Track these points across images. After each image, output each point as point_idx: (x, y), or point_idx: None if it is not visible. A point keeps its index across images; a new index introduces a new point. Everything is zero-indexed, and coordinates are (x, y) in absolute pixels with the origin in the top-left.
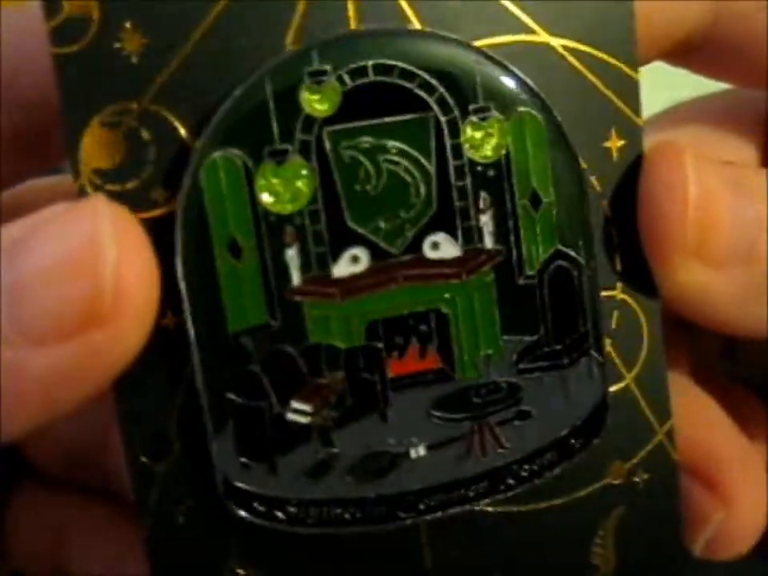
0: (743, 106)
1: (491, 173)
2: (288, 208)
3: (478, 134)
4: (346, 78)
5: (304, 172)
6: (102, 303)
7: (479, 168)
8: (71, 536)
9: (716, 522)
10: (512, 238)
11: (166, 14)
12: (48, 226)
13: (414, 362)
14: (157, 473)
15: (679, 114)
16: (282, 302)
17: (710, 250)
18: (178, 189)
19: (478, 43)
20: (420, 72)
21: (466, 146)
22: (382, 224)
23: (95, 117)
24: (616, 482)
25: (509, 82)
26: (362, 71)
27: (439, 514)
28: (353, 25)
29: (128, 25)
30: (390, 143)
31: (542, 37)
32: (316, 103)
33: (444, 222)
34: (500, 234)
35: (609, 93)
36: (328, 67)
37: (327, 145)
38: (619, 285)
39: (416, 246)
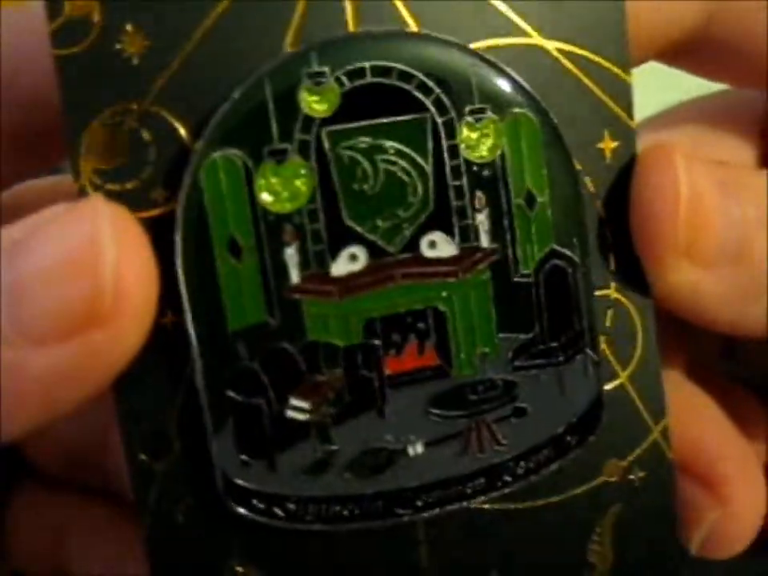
0: (741, 106)
1: (487, 173)
2: (287, 207)
3: (474, 135)
4: (344, 79)
5: (303, 171)
6: (101, 303)
7: (475, 168)
8: (71, 536)
9: (712, 520)
10: (508, 237)
11: (166, 17)
12: (48, 226)
13: (411, 360)
14: (156, 471)
15: (678, 115)
16: (280, 300)
17: (700, 250)
18: (178, 189)
19: (473, 46)
20: (417, 74)
21: (462, 146)
22: (380, 223)
23: (96, 117)
24: (612, 479)
25: (504, 84)
26: (360, 72)
27: (437, 510)
28: (351, 27)
29: (129, 27)
30: (388, 143)
31: (536, 39)
32: (315, 104)
33: (441, 221)
34: (496, 232)
35: (602, 95)
36: (326, 68)
37: (326, 145)
38: (613, 284)
39: (413, 244)
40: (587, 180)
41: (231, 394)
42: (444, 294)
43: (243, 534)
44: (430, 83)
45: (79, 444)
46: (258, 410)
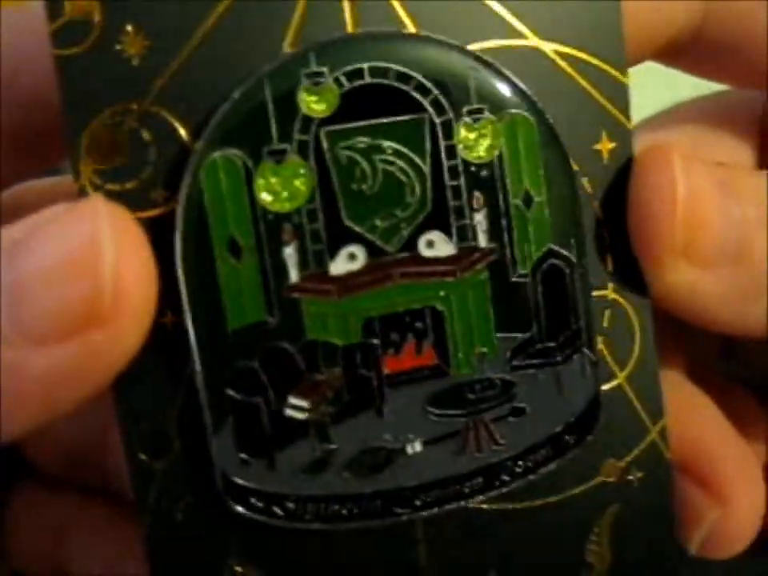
0: (740, 106)
1: (484, 173)
2: (286, 206)
3: (472, 135)
4: (343, 79)
5: (302, 171)
6: (101, 303)
7: (473, 168)
8: (71, 536)
9: (711, 520)
10: (505, 237)
11: (166, 18)
12: (48, 226)
13: (409, 359)
14: (156, 470)
15: (677, 115)
16: (280, 299)
17: (697, 250)
18: (178, 189)
19: (470, 47)
20: (415, 74)
21: (460, 146)
22: (378, 222)
23: (96, 118)
24: (610, 480)
25: (501, 85)
26: (358, 73)
27: (435, 510)
28: (350, 28)
29: (129, 28)
30: (386, 143)
31: (533, 41)
32: (313, 104)
33: (439, 220)
34: (493, 232)
35: (599, 96)
36: (325, 69)
37: (324, 145)
38: (611, 285)
39: (411, 244)
40: (584, 181)
41: (231, 392)
42: (442, 293)
43: (242, 533)
44: (428, 84)
45: (79, 444)
46: (258, 409)
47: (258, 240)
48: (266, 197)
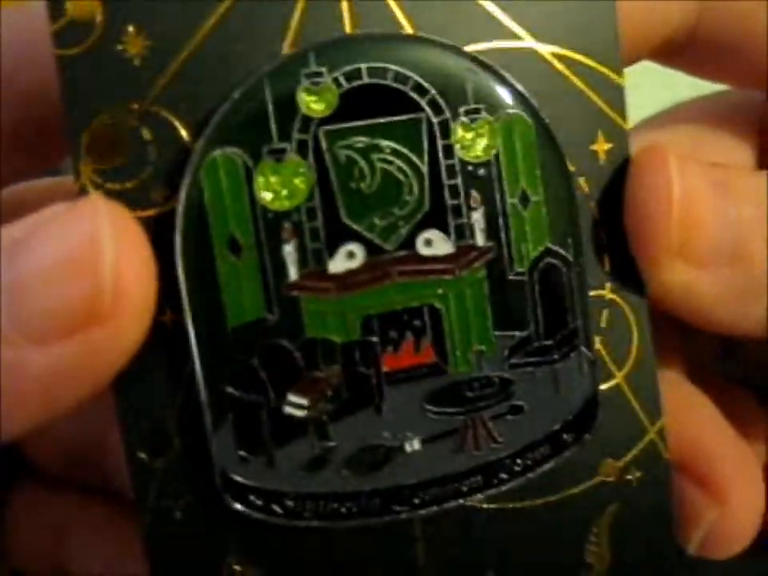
0: (740, 106)
1: (482, 172)
2: (286, 205)
3: (469, 135)
4: (342, 79)
5: (301, 170)
6: (101, 302)
7: (470, 167)
8: (71, 535)
9: (710, 520)
10: (502, 236)
11: (167, 18)
12: (48, 225)
13: (408, 357)
14: (156, 469)
15: (676, 115)
16: (279, 297)
17: (693, 250)
18: (178, 188)
19: (467, 49)
20: (413, 75)
21: (457, 146)
22: (377, 221)
23: (97, 117)
24: (609, 479)
25: (498, 86)
26: (356, 73)
27: (434, 508)
28: (348, 29)
29: (131, 28)
30: (384, 143)
31: (529, 43)
32: (313, 104)
33: (436, 219)
34: (491, 231)
35: (595, 98)
36: (324, 69)
37: (323, 144)
38: (608, 285)
39: (410, 242)
40: (581, 181)
41: (230, 390)
42: (440, 291)
43: (241, 531)
44: (426, 84)
45: (79, 443)
46: (257, 407)
47: (258, 238)
48: (265, 195)
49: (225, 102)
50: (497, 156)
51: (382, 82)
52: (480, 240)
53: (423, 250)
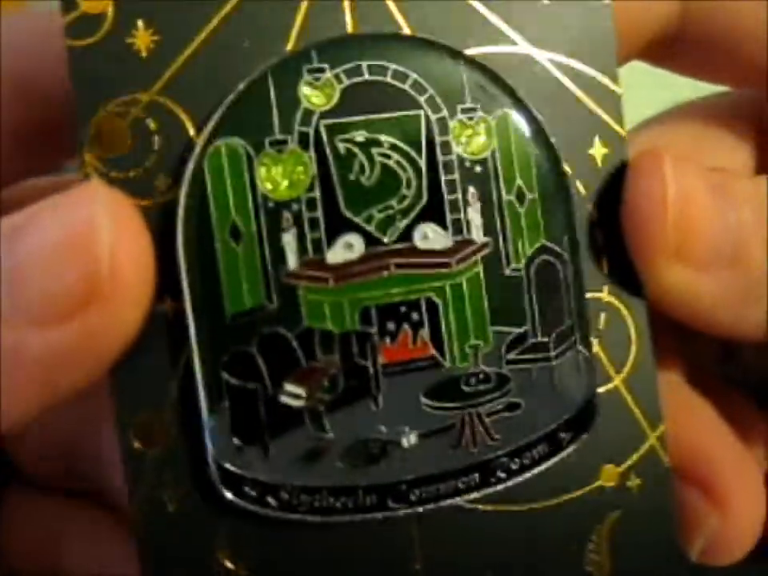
0: (740, 106)
1: (478, 169)
2: (286, 195)
3: (466, 132)
4: (343, 75)
5: (302, 162)
6: (98, 284)
7: (467, 164)
8: (64, 537)
9: (711, 526)
10: (499, 232)
11: (176, 15)
12: (47, 211)
13: (406, 349)
14: (149, 458)
15: (677, 116)
16: (279, 285)
17: (690, 252)
18: (181, 177)
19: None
20: (412, 73)
21: (455, 142)
22: (375, 213)
23: (104, 106)
24: (608, 485)
25: (493, 86)
26: (357, 70)
27: (431, 506)
28: (350, 29)
29: (140, 23)
30: (383, 138)
31: (524, 48)
32: (314, 98)
33: (434, 213)
34: (488, 227)
35: (591, 103)
36: (326, 65)
37: (324, 137)
38: (606, 287)
39: (407, 235)
40: (579, 183)
41: (227, 377)
42: (437, 284)
43: (234, 524)
44: (424, 83)
45: (63, 450)
46: (254, 395)
47: (259, 227)
48: (267, 185)
49: (229, 94)
50: (493, 153)
51: (381, 79)
52: (477, 235)
53: (420, 243)
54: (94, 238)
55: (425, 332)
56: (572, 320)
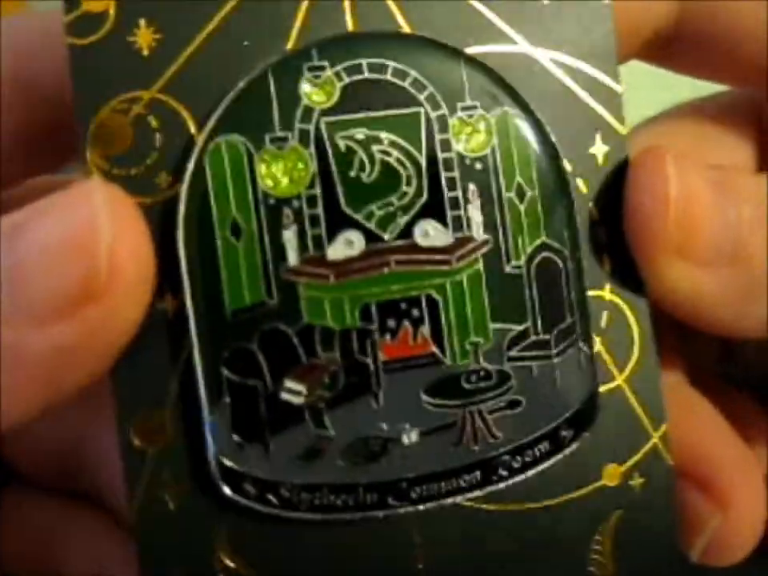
0: (740, 106)
1: (478, 166)
2: (287, 192)
3: (466, 130)
4: (343, 73)
5: (302, 158)
6: (97, 280)
7: (467, 161)
8: (60, 538)
9: (713, 526)
10: (499, 229)
11: (178, 14)
12: (47, 209)
13: (406, 346)
14: (149, 457)
15: (677, 115)
16: (279, 282)
17: (692, 250)
18: (182, 174)
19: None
20: (411, 71)
21: (455, 140)
22: (375, 210)
23: (105, 104)
24: (611, 485)
25: (493, 84)
26: (357, 68)
27: (432, 504)
28: (351, 28)
29: (142, 21)
30: (383, 135)
31: (524, 48)
32: (314, 95)
33: (434, 210)
34: (488, 224)
35: (592, 102)
36: (326, 63)
37: (324, 134)
38: (608, 285)
39: (408, 232)
40: (580, 181)
41: (227, 373)
42: (437, 281)
43: (235, 522)
44: (424, 80)
45: (58, 453)
46: (254, 391)
47: (259, 223)
48: (267, 182)
49: (230, 91)
50: (493, 151)
51: (381, 77)
52: (477, 232)
53: (421, 240)
54: (94, 235)
55: (425, 329)
56: (573, 317)
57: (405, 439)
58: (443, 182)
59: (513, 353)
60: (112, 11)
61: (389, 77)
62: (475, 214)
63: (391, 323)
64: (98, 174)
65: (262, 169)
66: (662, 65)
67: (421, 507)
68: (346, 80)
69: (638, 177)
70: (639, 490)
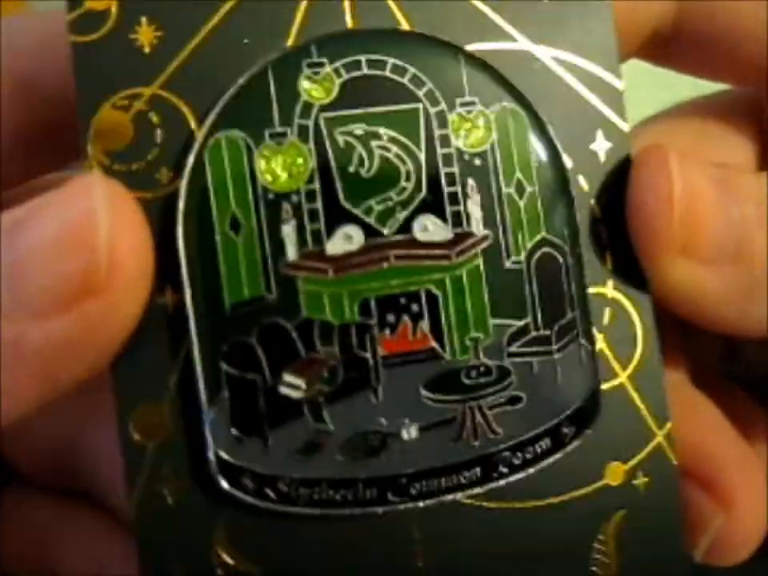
0: (742, 105)
1: (478, 162)
2: (286, 187)
3: (465, 126)
4: (342, 70)
5: (301, 153)
6: (96, 275)
7: (466, 157)
8: (59, 537)
9: (716, 526)
10: (499, 224)
11: (179, 11)
12: (47, 204)
13: (405, 341)
14: (149, 451)
15: (678, 114)
16: (278, 276)
17: (696, 247)
18: (183, 170)
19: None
20: (410, 67)
21: (454, 135)
22: (374, 205)
23: (107, 100)
24: (614, 483)
25: (492, 80)
26: (356, 64)
27: (432, 500)
28: (350, 26)
29: (144, 19)
30: (382, 130)
31: (524, 45)
32: (314, 91)
33: (433, 205)
34: (487, 219)
35: (593, 98)
36: (325, 60)
37: (324, 129)
38: (610, 282)
39: (407, 227)
40: (581, 178)
41: (226, 367)
42: (436, 276)
43: (233, 517)
44: (422, 76)
45: (55, 451)
46: (253, 385)
47: (258, 218)
48: (266, 177)
49: (230, 87)
50: (492, 146)
51: (380, 73)
52: (476, 228)
53: (420, 235)
54: (93, 229)
55: (425, 324)
56: (574, 313)
57: (404, 434)
58: (442, 177)
59: (513, 348)
60: (114, 9)
61: (388, 73)
62: (475, 209)
63: (390, 318)
64: (99, 169)
65: (261, 164)
66: (661, 64)
67: (421, 504)
68: (345, 76)
69: (640, 175)
70: (643, 490)
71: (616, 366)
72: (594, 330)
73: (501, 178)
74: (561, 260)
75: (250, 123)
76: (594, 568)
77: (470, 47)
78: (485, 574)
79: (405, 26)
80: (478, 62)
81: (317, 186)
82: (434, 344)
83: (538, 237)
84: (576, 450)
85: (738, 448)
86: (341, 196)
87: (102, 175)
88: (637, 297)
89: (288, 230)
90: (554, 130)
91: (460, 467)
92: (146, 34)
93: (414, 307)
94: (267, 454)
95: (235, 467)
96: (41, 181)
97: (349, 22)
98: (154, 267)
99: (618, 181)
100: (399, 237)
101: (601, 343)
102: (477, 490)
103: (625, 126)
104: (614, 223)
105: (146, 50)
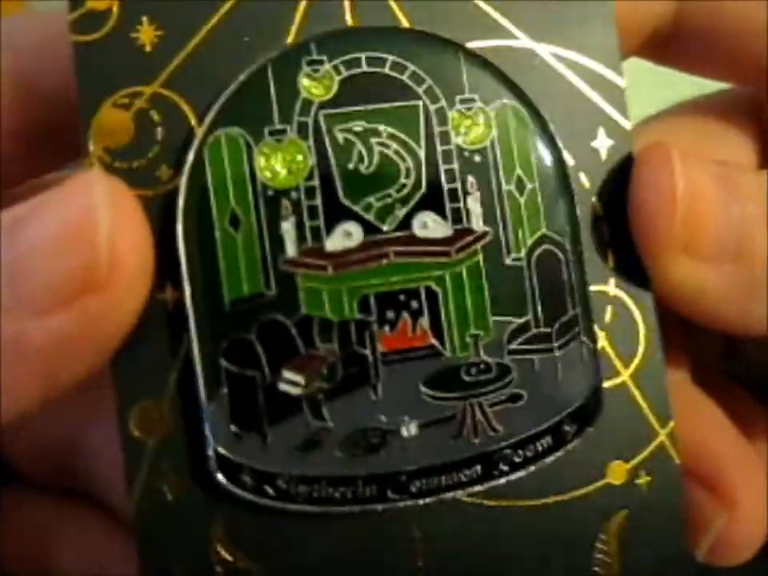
0: (743, 104)
1: (478, 158)
2: (285, 183)
3: (465, 123)
4: (342, 67)
5: (301, 150)
6: (97, 271)
7: (466, 153)
8: (58, 537)
9: (718, 526)
10: (499, 221)
11: (180, 11)
12: (47, 201)
13: (405, 338)
14: (149, 448)
15: (679, 113)
16: (277, 273)
17: (698, 246)
18: (182, 167)
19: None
20: (410, 64)
21: (454, 132)
22: (374, 202)
23: (108, 98)
24: (617, 482)
25: (492, 77)
26: (356, 62)
27: (432, 498)
28: (350, 24)
29: (144, 18)
30: (382, 127)
31: (525, 42)
32: (313, 88)
33: (433, 202)
34: (487, 216)
35: (595, 96)
36: (325, 57)
37: (323, 127)
38: (612, 280)
39: (406, 224)
40: (583, 176)
41: (226, 364)
42: (436, 273)
43: (232, 514)
44: (422, 74)
45: (54, 450)
46: (252, 382)
47: (258, 214)
48: (266, 173)
49: (230, 85)
50: (492, 143)
51: (380, 70)
52: (476, 224)
53: (420, 232)
54: (93, 225)
55: (424, 320)
56: (575, 310)
57: (404, 431)
58: (442, 174)
59: (513, 346)
60: (115, 9)
61: (387, 70)
62: (474, 206)
63: (390, 315)
64: (100, 167)
65: (260, 161)
66: (662, 62)
67: (421, 502)
68: (345, 73)
69: (642, 173)
70: (645, 489)
71: (618, 364)
72: (596, 328)
73: (501, 174)
74: (561, 257)
75: (250, 120)
76: (595, 568)
77: (470, 45)
78: (485, 572)
79: (405, 25)
80: (478, 59)
81: (316, 182)
82: (433, 341)
83: (539, 234)
84: (577, 448)
85: (739, 447)
86: (340, 193)
87: (103, 172)
88: (639, 295)
89: (287, 227)
90: (555, 128)
91: (460, 465)
92: (146, 33)
93: (414, 304)
94: (266, 450)
95: (234, 464)
96: (41, 180)
97: (349, 21)
98: (154, 264)
99: (620, 178)
100: (399, 234)
101: (603, 341)
102: (477, 488)
103: (627, 124)
104: (616, 221)
105: (147, 48)
